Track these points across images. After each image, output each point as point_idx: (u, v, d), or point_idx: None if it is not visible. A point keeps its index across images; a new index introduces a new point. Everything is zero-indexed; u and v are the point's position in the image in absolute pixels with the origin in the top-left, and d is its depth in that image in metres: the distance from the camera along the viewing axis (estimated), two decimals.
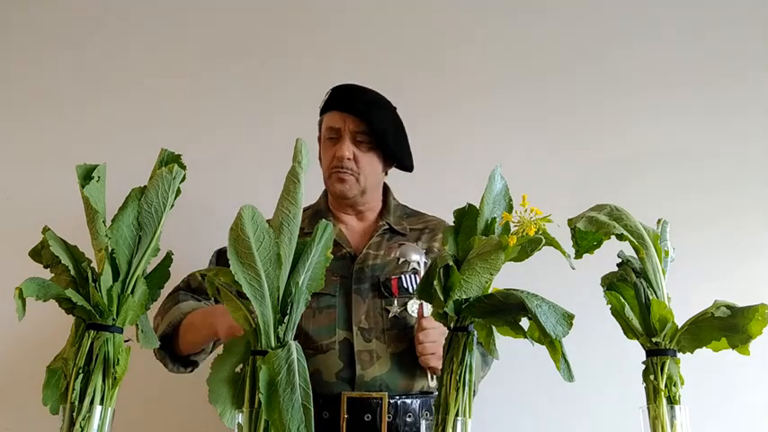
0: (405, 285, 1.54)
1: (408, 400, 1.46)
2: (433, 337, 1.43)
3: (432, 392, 1.51)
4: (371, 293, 1.52)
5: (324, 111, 1.61)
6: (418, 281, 1.54)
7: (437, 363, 1.40)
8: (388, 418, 1.43)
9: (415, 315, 1.50)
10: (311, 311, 1.47)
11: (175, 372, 1.55)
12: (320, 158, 1.63)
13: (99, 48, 2.16)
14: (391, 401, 1.44)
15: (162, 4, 2.21)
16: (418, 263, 1.52)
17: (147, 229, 1.08)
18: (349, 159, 1.54)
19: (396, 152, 1.60)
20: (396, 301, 1.52)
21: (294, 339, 1.44)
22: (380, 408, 1.42)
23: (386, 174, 1.66)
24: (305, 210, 1.62)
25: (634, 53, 2.17)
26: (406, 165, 1.63)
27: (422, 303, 1.43)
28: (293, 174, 1.08)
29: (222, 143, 2.07)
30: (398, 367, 1.48)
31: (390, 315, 1.50)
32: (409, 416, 1.46)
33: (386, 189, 1.69)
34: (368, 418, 1.42)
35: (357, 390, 1.44)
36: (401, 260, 1.55)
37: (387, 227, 1.62)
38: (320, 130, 1.63)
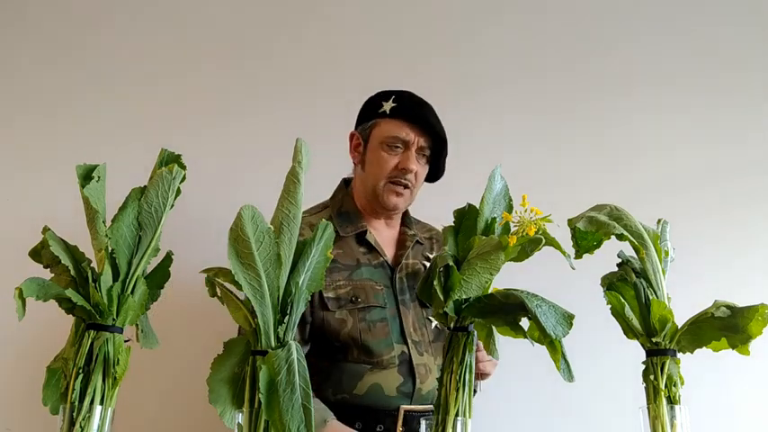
0: None
1: None
2: None
3: None
4: (412, 304, 1.54)
5: (389, 116, 1.56)
6: None
7: (492, 368, 1.44)
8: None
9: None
10: (366, 325, 1.47)
11: None
12: (362, 160, 1.60)
13: (99, 48, 2.16)
14: None
15: (162, 3, 2.21)
16: None
17: (147, 229, 1.08)
18: (412, 173, 1.55)
19: (443, 170, 1.62)
20: None
21: (351, 352, 1.46)
22: None
23: None
24: (322, 208, 1.61)
25: (634, 50, 2.17)
26: (437, 179, 1.65)
27: None
28: (293, 174, 1.08)
29: (222, 143, 2.06)
30: None
31: (433, 326, 1.53)
32: None
33: None
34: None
35: (414, 403, 1.45)
36: None
37: (417, 237, 1.64)
38: (369, 132, 1.58)
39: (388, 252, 1.60)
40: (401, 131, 1.54)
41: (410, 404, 1.44)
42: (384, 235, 1.62)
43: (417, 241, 1.64)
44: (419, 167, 1.57)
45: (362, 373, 1.44)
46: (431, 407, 1.43)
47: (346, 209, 1.60)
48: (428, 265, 1.56)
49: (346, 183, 1.67)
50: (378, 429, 1.42)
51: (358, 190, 1.63)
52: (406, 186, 1.56)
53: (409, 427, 1.42)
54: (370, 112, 1.60)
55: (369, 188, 1.58)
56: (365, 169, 1.59)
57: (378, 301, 1.50)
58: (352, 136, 1.63)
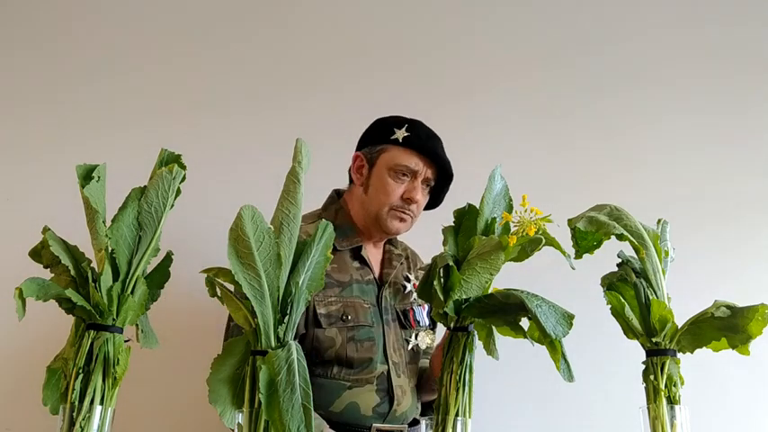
0: (417, 318, 1.59)
1: (414, 429, 1.52)
2: None
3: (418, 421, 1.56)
4: (393, 323, 1.55)
5: (401, 144, 1.55)
6: (423, 313, 1.60)
7: None
8: None
9: (422, 347, 1.56)
10: (354, 345, 1.47)
11: None
12: (365, 183, 1.58)
13: (99, 47, 2.16)
14: None
15: (163, 3, 2.21)
16: None
17: (147, 229, 1.08)
18: (416, 204, 1.56)
19: (441, 201, 1.63)
20: (413, 334, 1.57)
21: (330, 369, 1.47)
22: None
23: None
24: (317, 218, 1.59)
25: (635, 52, 2.17)
26: (434, 208, 1.65)
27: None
28: (293, 174, 1.08)
29: (222, 143, 2.06)
30: (415, 400, 1.54)
31: (409, 347, 1.55)
32: None
33: None
34: None
35: (387, 422, 1.47)
36: (407, 290, 1.59)
37: (404, 255, 1.65)
38: (377, 156, 1.57)
39: (376, 270, 1.60)
40: (411, 161, 1.54)
41: (383, 423, 1.46)
42: (372, 254, 1.62)
43: (404, 259, 1.65)
44: (422, 198, 1.57)
45: (341, 391, 1.46)
46: (401, 426, 1.46)
47: (340, 222, 1.58)
48: (406, 284, 1.60)
49: (338, 194, 1.66)
50: None
51: (356, 209, 1.61)
52: (410, 215, 1.57)
53: None
54: (380, 136, 1.58)
55: (371, 212, 1.57)
56: (368, 193, 1.58)
57: (366, 319, 1.50)
58: (356, 157, 1.61)
